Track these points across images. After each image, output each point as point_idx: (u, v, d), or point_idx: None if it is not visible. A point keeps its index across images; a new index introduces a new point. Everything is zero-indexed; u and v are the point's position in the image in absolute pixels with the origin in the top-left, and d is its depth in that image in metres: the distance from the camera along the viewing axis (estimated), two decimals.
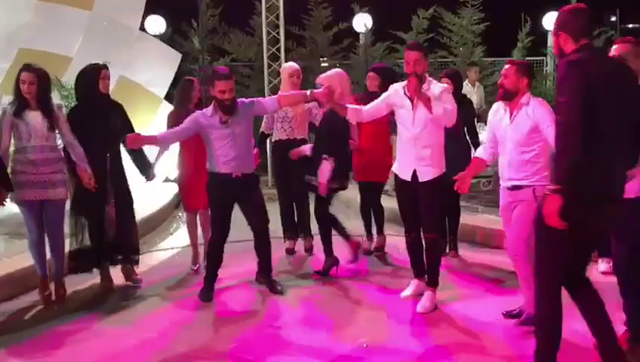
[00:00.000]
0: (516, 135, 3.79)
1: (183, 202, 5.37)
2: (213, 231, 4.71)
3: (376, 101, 4.47)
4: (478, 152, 4.22)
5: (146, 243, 6.14)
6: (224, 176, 4.50)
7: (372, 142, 5.32)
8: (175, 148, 5.20)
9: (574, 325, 3.39)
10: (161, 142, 4.66)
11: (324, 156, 4.79)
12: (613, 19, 11.45)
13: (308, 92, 4.61)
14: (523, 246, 3.75)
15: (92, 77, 4.64)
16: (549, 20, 10.04)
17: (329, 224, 5.06)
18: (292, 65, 5.59)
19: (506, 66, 3.93)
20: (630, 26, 17.15)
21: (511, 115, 3.85)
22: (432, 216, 4.29)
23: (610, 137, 2.86)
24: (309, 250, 5.74)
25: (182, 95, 5.14)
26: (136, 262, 5.00)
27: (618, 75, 2.97)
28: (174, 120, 4.93)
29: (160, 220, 7.04)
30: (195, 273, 5.18)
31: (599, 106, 2.78)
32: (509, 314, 4.06)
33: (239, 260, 5.50)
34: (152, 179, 5.05)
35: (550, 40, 10.25)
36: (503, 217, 4.03)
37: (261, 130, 5.65)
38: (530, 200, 3.71)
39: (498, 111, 4.00)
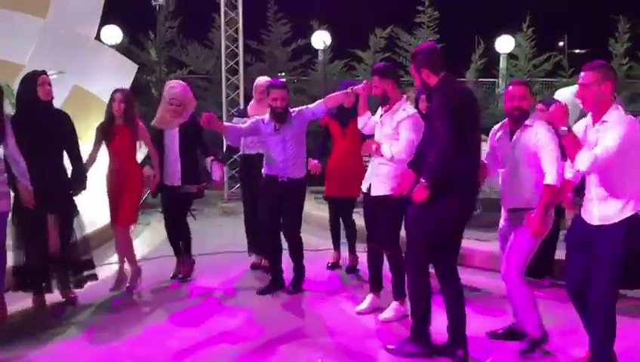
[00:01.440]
0: (517, 156, 3.74)
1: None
2: (262, 227, 4.98)
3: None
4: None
5: (97, 256, 5.98)
6: (271, 177, 4.84)
7: (346, 157, 5.35)
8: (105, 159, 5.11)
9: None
10: (228, 131, 4.89)
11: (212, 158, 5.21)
12: (562, 44, 11.90)
13: (349, 89, 4.72)
14: (517, 269, 3.77)
15: (30, 84, 4.43)
16: (502, 43, 10.39)
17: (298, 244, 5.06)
18: (265, 80, 5.53)
19: (513, 87, 3.79)
20: (577, 51, 17.84)
21: (512, 135, 3.79)
22: (383, 230, 4.36)
23: (475, 146, 3.63)
24: None
25: (107, 108, 4.93)
26: (92, 278, 4.86)
27: (473, 99, 3.76)
28: (100, 133, 4.89)
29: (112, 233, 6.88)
30: (129, 291, 5.00)
31: (466, 125, 3.53)
32: (494, 335, 4.07)
33: (207, 273, 5.47)
34: (76, 194, 4.77)
35: (502, 62, 10.61)
36: (501, 238, 3.97)
37: (229, 143, 5.64)
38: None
39: (500, 131, 3.92)
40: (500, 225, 4.00)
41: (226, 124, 4.88)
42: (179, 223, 5.28)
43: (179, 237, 5.32)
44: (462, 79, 10.38)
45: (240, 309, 4.66)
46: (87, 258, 4.88)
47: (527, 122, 3.75)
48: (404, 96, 4.40)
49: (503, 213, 3.96)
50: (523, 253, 3.75)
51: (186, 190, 5.15)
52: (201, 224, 7.62)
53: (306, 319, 4.50)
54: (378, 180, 4.34)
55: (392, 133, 4.24)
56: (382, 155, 4.25)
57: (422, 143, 3.94)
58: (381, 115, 4.39)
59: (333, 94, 4.91)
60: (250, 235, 5.67)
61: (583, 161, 3.18)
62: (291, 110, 4.84)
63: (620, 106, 3.32)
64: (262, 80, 5.57)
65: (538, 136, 3.66)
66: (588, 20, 14.50)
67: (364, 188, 4.49)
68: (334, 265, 5.69)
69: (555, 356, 3.82)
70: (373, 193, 4.36)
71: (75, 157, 4.65)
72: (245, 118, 5.40)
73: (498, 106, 10.70)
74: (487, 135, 7.48)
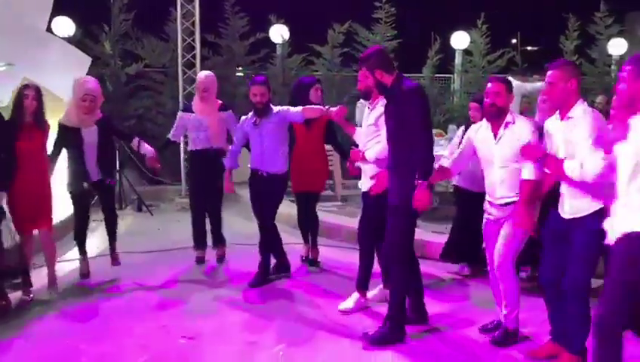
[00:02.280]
0: (505, 153, 3.76)
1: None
2: (258, 221, 5.07)
3: None
4: (444, 162, 4.10)
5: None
6: (253, 172, 5.04)
7: (310, 153, 5.37)
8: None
9: None
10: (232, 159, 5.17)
11: None
12: (514, 41, 12.17)
13: (325, 108, 4.82)
14: (510, 260, 3.82)
15: None
16: (457, 39, 10.55)
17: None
18: (207, 75, 5.52)
19: (490, 85, 3.81)
20: (529, 48, 18.27)
21: (495, 133, 3.81)
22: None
23: None
24: (221, 258, 5.71)
25: (14, 104, 4.66)
26: (23, 285, 4.67)
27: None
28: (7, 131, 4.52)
29: (65, 230, 6.72)
30: (30, 302, 4.65)
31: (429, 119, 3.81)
32: (485, 329, 4.09)
33: (150, 270, 5.41)
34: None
35: (458, 58, 10.78)
36: (488, 232, 3.96)
37: (168, 135, 5.60)
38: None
39: (480, 129, 3.94)
40: (485, 222, 3.97)
41: (229, 168, 5.18)
42: (111, 213, 5.27)
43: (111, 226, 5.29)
44: (419, 75, 10.52)
45: (192, 303, 4.63)
46: (20, 264, 4.70)
47: (507, 119, 3.78)
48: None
49: (489, 210, 3.93)
50: (515, 244, 3.79)
51: (107, 182, 5.13)
52: (159, 220, 7.55)
53: (261, 311, 4.50)
54: (367, 177, 4.41)
55: (374, 128, 4.28)
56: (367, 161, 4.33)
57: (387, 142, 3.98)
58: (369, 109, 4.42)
59: (310, 107, 4.99)
60: (195, 229, 5.66)
61: (591, 169, 3.17)
62: (274, 107, 4.95)
63: (584, 101, 3.41)
64: (201, 76, 5.56)
65: (520, 133, 3.71)
66: (540, 18, 14.86)
67: (364, 189, 4.48)
68: (307, 259, 5.70)
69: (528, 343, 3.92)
70: (363, 189, 4.47)
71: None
72: (190, 113, 5.40)
73: (454, 102, 10.89)
74: (444, 130, 7.59)
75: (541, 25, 14.27)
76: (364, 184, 4.46)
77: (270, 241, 5.10)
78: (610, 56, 10.83)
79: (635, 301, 2.92)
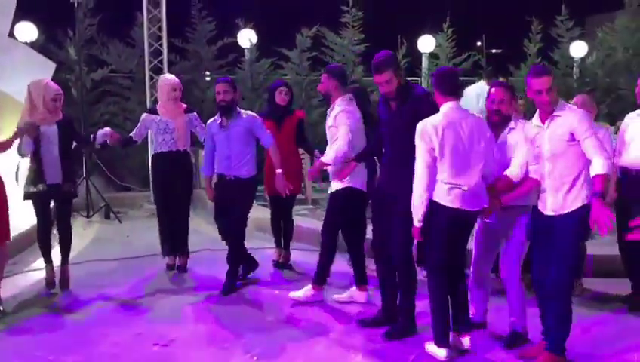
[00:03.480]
0: (504, 159, 3.77)
1: None
2: (218, 226, 5.05)
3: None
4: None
5: (17, 263, 5.74)
6: (220, 176, 4.96)
7: (283, 155, 5.27)
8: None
9: None
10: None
11: None
12: (479, 44, 12.37)
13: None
14: (517, 266, 3.83)
15: None
16: (423, 43, 10.67)
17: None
18: (173, 77, 5.52)
19: (494, 90, 3.82)
20: (494, 50, 18.59)
21: (496, 138, 3.82)
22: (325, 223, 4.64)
23: None
24: (182, 267, 5.56)
25: None
26: None
27: None
28: None
29: (33, 238, 6.57)
30: None
31: None
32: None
33: (120, 278, 5.34)
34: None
35: (425, 61, 10.91)
36: (481, 239, 4.00)
37: (130, 134, 5.51)
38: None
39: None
40: (479, 226, 3.95)
41: (208, 176, 5.13)
42: (65, 226, 5.06)
43: (66, 241, 5.06)
44: None
45: (163, 310, 4.59)
46: None
47: (511, 125, 3.82)
48: (347, 95, 4.51)
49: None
50: (521, 251, 3.81)
51: (67, 188, 4.95)
52: (127, 227, 7.46)
53: (234, 317, 4.49)
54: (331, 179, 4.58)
55: (334, 129, 4.43)
56: (327, 165, 4.44)
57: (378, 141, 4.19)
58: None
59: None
60: (162, 235, 5.58)
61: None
62: (243, 111, 4.94)
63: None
64: (170, 76, 5.55)
65: (519, 138, 3.73)
66: (503, 22, 15.13)
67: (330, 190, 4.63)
68: (279, 263, 5.69)
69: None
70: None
71: None
72: (155, 115, 5.36)
73: None
74: None
75: (505, 28, 14.53)
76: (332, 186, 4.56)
77: (236, 250, 5.01)
78: (572, 58, 11.09)
79: None
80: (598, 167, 3.25)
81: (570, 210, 3.41)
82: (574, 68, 11.11)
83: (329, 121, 4.50)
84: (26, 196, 4.91)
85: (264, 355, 3.82)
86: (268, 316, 4.51)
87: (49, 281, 5.03)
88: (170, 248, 5.59)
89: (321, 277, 4.65)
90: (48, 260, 5.07)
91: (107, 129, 5.21)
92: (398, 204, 3.84)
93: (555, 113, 3.45)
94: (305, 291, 4.68)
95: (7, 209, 4.60)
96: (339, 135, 4.35)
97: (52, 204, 5.06)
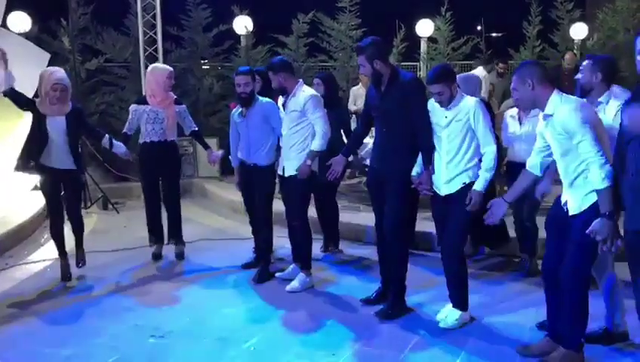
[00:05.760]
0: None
1: None
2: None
3: None
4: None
5: (12, 256, 5.70)
6: (242, 162, 5.02)
7: None
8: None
9: None
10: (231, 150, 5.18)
11: None
12: (479, 28, 12.24)
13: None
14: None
15: None
16: (422, 27, 10.55)
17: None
18: (166, 66, 5.50)
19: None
20: (494, 34, 18.45)
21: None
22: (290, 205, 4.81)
23: None
24: (179, 255, 5.56)
25: None
26: None
27: None
28: None
29: (30, 230, 6.55)
30: None
31: None
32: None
33: (117, 269, 5.31)
34: None
35: (423, 46, 10.79)
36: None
37: (124, 130, 5.42)
38: None
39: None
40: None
41: (236, 166, 5.15)
42: (77, 215, 5.06)
43: (78, 228, 5.10)
44: None
45: (161, 302, 4.56)
46: None
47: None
48: (299, 80, 4.72)
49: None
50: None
51: (76, 174, 4.97)
52: (125, 217, 7.41)
53: (230, 308, 4.45)
54: (289, 163, 4.70)
55: (299, 113, 4.59)
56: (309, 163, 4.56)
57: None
58: (284, 103, 4.73)
59: None
60: (150, 225, 5.56)
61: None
62: (261, 98, 4.90)
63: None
64: (164, 66, 5.51)
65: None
66: (502, 4, 15.00)
67: (280, 171, 4.83)
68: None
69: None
70: (285, 174, 4.74)
71: None
72: (144, 105, 5.30)
73: None
74: None
75: (504, 11, 14.40)
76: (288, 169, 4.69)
77: (267, 236, 5.02)
78: (572, 40, 10.97)
79: None
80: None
81: (586, 206, 3.24)
82: (574, 50, 10.99)
83: (297, 105, 4.57)
84: (38, 169, 4.85)
85: (262, 345, 3.79)
86: (266, 305, 4.48)
87: (64, 274, 5.02)
88: (157, 237, 5.58)
89: (299, 258, 4.83)
90: (63, 254, 5.06)
91: (127, 151, 5.20)
92: (389, 183, 4.07)
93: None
94: (298, 281, 4.74)
95: None
96: (319, 125, 4.55)
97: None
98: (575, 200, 3.27)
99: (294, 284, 4.74)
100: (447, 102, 3.88)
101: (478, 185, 3.79)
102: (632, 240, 2.99)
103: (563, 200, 3.38)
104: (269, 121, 4.88)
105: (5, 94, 4.77)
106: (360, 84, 8.70)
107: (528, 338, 3.76)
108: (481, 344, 3.76)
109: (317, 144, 4.55)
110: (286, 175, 4.72)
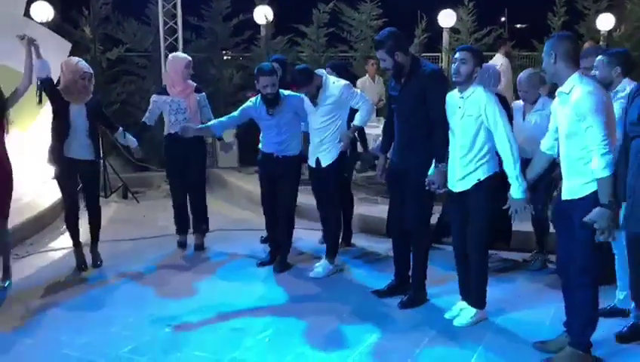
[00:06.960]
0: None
1: None
2: (263, 203, 5.12)
3: None
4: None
5: (33, 243, 5.76)
6: (267, 155, 4.95)
7: None
8: None
9: None
10: (213, 128, 4.97)
11: None
12: (503, 19, 12.05)
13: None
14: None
15: None
16: (444, 17, 10.41)
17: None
18: (186, 55, 5.48)
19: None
20: (518, 25, 18.15)
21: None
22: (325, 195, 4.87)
23: None
24: (199, 246, 5.56)
25: None
26: None
27: None
28: None
29: (50, 218, 6.61)
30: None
31: None
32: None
33: (136, 258, 5.33)
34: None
35: (445, 36, 10.65)
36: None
37: (143, 119, 5.41)
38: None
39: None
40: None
41: (205, 125, 5.03)
42: (95, 206, 5.08)
43: (95, 220, 5.12)
44: None
45: (178, 291, 4.57)
46: None
47: None
48: (322, 73, 4.73)
49: None
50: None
51: (93, 165, 5.01)
52: (145, 207, 7.45)
53: (247, 297, 4.44)
54: (324, 154, 4.75)
55: (333, 106, 4.64)
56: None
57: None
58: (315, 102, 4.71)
59: None
60: (177, 213, 5.58)
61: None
62: (286, 93, 4.86)
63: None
64: (183, 55, 5.47)
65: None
66: None
67: (312, 163, 4.84)
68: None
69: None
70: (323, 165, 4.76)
71: None
72: (165, 96, 5.29)
73: None
74: None
75: (528, 1, 14.14)
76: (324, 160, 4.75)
77: (290, 225, 5.02)
78: (599, 31, 10.73)
79: None
80: None
81: (584, 195, 3.18)
82: (601, 42, 10.75)
83: (327, 99, 4.62)
84: (53, 159, 4.86)
85: (277, 335, 3.77)
86: (283, 296, 4.47)
87: (80, 264, 5.05)
88: (183, 227, 5.60)
89: (336, 249, 4.90)
90: (77, 243, 5.08)
91: (137, 147, 5.22)
92: (409, 178, 4.02)
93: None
94: (322, 266, 4.82)
95: (11, 189, 4.57)
96: (362, 100, 4.66)
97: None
98: (571, 184, 3.21)
99: (318, 270, 4.80)
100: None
101: (514, 193, 3.54)
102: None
103: (563, 190, 3.30)
104: (298, 114, 4.88)
105: (42, 82, 4.78)
106: (367, 75, 8.65)
107: (546, 334, 3.69)
108: (499, 339, 3.71)
109: (362, 120, 4.65)
110: (323, 165, 4.74)
